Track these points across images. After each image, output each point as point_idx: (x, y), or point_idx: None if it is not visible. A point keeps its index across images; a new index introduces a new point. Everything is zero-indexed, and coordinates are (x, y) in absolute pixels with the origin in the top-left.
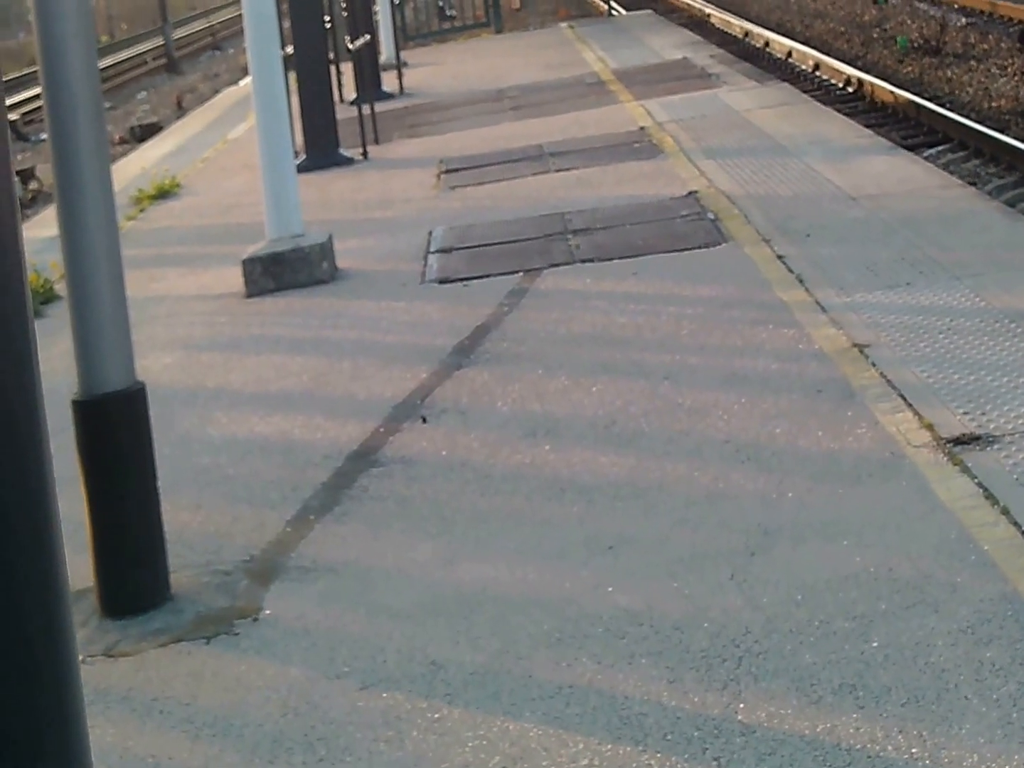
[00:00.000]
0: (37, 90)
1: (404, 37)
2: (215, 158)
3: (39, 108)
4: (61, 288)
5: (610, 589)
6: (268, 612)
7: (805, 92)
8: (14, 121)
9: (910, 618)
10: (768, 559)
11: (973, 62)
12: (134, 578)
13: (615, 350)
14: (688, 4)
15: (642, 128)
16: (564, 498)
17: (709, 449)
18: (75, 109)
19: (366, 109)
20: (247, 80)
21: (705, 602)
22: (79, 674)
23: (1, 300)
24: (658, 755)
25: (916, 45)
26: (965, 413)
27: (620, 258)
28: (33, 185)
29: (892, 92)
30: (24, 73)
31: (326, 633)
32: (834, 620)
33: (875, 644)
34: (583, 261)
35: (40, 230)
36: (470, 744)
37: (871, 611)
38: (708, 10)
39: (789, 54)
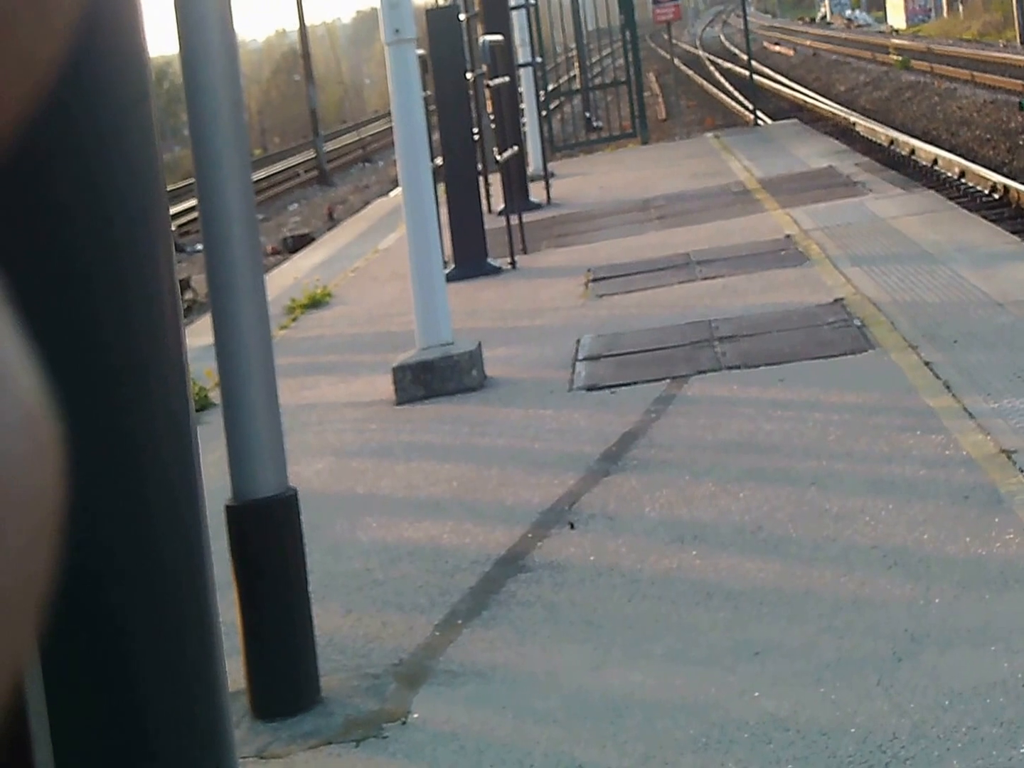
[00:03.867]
0: (192, 202)
1: (551, 148)
2: (366, 268)
3: (195, 220)
4: (215, 396)
5: (756, 694)
6: (416, 715)
7: (951, 199)
8: None
9: None
10: (915, 665)
11: None
12: (285, 681)
13: (762, 456)
14: (833, 113)
15: (788, 236)
16: (711, 604)
17: (856, 555)
18: (229, 220)
19: (514, 219)
20: (397, 191)
21: (852, 707)
22: None
23: (169, 408)
24: None
25: None
26: None
27: (766, 365)
28: (189, 295)
29: None
30: (180, 186)
31: (474, 736)
32: (982, 726)
33: (1023, 750)
34: (730, 368)
35: (195, 339)
36: None
37: (1019, 717)
38: (853, 119)
39: (935, 161)
